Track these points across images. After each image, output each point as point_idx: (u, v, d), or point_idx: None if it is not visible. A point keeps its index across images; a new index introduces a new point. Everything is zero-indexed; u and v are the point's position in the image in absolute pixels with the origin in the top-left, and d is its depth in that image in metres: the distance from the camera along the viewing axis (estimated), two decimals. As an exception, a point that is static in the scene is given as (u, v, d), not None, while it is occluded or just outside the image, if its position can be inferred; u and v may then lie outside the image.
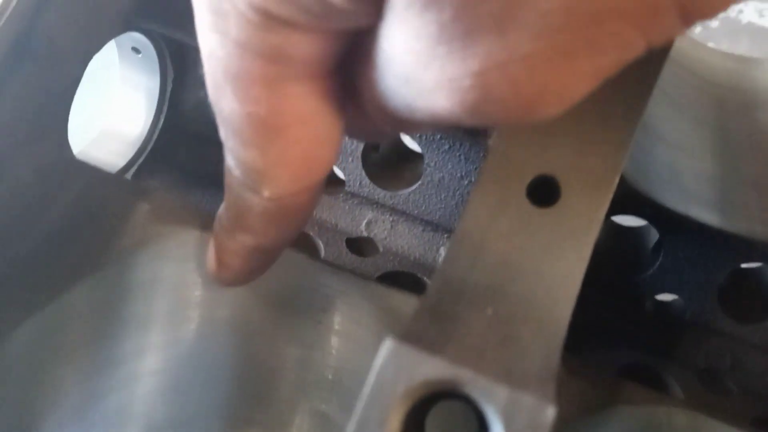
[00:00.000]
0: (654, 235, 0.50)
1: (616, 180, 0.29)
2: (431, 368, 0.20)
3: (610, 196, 0.29)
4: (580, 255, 0.28)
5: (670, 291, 0.49)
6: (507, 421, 0.20)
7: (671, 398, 0.39)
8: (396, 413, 0.20)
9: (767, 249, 0.46)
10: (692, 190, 0.41)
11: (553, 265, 0.27)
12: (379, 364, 0.20)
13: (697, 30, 1.14)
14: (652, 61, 0.29)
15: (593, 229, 0.28)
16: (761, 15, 1.23)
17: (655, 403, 0.37)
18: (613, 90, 0.28)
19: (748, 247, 0.46)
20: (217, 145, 0.56)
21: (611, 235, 0.51)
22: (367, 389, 0.20)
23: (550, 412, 0.20)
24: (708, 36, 1.16)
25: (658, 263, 0.48)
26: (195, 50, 0.49)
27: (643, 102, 0.29)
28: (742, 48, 1.17)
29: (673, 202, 0.40)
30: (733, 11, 1.20)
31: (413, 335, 0.22)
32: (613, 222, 0.51)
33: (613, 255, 0.51)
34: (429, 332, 0.23)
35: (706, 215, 0.40)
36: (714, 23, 1.19)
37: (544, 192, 0.29)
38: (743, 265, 0.48)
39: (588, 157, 0.29)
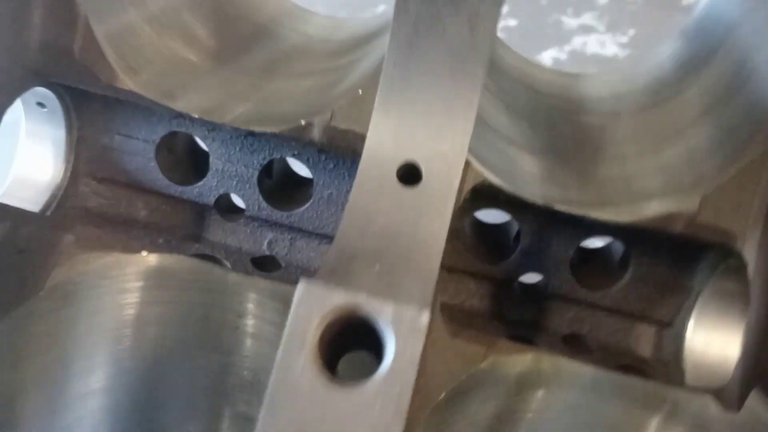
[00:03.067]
0: (515, 226, 0.59)
1: (463, 161, 0.37)
2: (336, 296, 0.27)
3: (460, 174, 0.37)
4: (442, 220, 0.36)
5: (531, 271, 0.58)
6: (395, 327, 0.27)
7: (537, 348, 0.47)
8: (313, 336, 0.27)
9: (604, 226, 0.55)
10: (527, 177, 0.50)
11: (422, 230, 0.35)
12: (297, 299, 0.27)
13: (549, 63, 1.28)
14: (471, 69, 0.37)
15: (450, 200, 0.36)
16: (603, 46, 1.39)
17: (524, 351, 0.45)
18: (452, 92, 0.37)
19: (588, 225, 0.56)
20: (123, 188, 0.61)
21: (478, 231, 0.60)
22: (289, 321, 0.27)
23: (425, 317, 0.27)
24: (560, 67, 1.30)
25: (518, 249, 0.57)
26: (97, 98, 0.55)
27: (473, 102, 0.37)
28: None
29: (518, 190, 0.49)
30: (578, 43, 1.35)
31: (320, 280, 0.28)
32: (478, 219, 0.60)
33: (481, 248, 0.59)
34: (331, 279, 0.29)
35: (539, 198, 0.48)
36: (563, 56, 1.34)
37: (410, 175, 0.36)
38: (588, 242, 0.58)
39: (440, 145, 0.37)
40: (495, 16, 0.38)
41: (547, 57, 1.32)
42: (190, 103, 0.47)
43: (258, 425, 0.28)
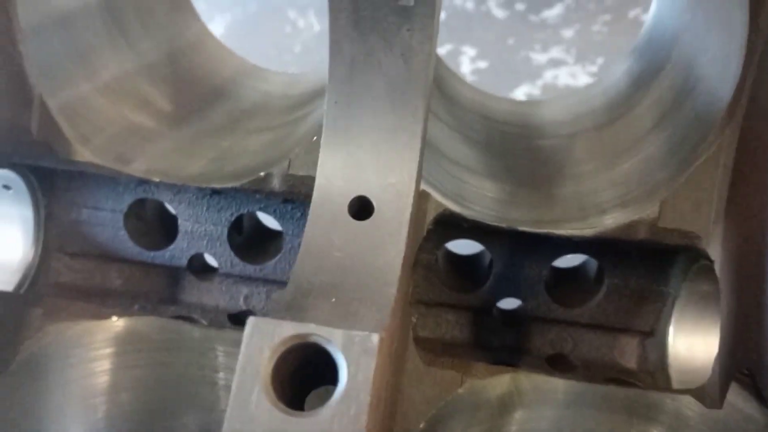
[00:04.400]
0: (488, 255, 0.59)
1: (413, 190, 0.38)
2: (284, 328, 0.27)
3: (411, 203, 0.37)
4: (397, 250, 0.36)
5: (508, 296, 0.58)
6: (345, 352, 0.27)
7: (513, 368, 0.47)
8: (265, 368, 0.27)
9: (573, 243, 0.56)
10: (488, 203, 0.51)
11: (377, 260, 0.35)
12: (248, 334, 0.27)
13: (523, 99, 1.30)
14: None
15: (403, 228, 0.37)
16: (574, 77, 1.41)
17: (500, 373, 0.45)
18: (395, 124, 0.38)
19: (557, 244, 0.56)
20: (95, 260, 0.61)
21: (451, 263, 0.60)
22: (240, 355, 0.27)
23: (375, 338, 0.27)
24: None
25: (492, 275, 0.57)
26: (61, 174, 0.56)
27: (417, 132, 0.38)
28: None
29: (480, 216, 0.49)
30: (549, 77, 1.38)
31: (273, 315, 0.29)
32: (450, 251, 0.60)
33: (457, 279, 0.59)
34: (285, 315, 0.30)
35: (501, 221, 0.49)
36: (536, 91, 1.36)
37: (361, 209, 0.37)
38: (561, 262, 0.58)
39: (389, 178, 0.37)
40: (429, 49, 0.39)
41: (521, 93, 1.34)
42: (144, 165, 0.48)
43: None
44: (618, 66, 0.67)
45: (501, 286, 0.58)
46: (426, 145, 0.41)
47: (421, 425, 0.41)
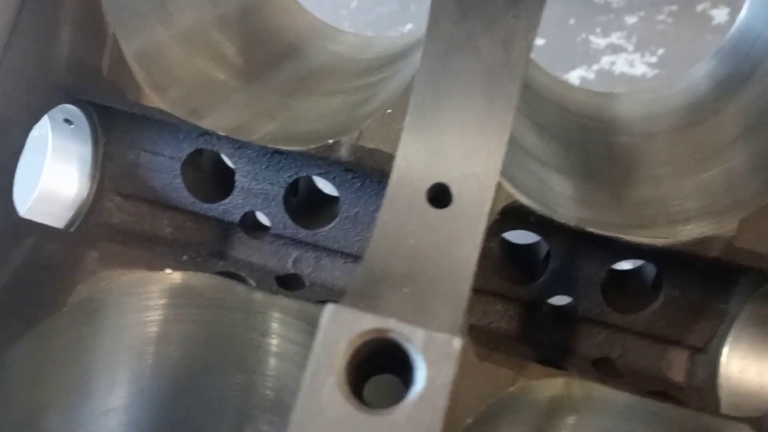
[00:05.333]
0: (545, 247, 0.57)
1: (495, 182, 0.36)
2: (365, 321, 0.26)
3: (492, 195, 0.36)
4: (473, 243, 0.35)
5: (561, 293, 0.57)
6: (426, 354, 0.26)
7: (567, 372, 0.45)
8: (341, 361, 0.26)
9: (637, 249, 0.54)
10: (559, 199, 0.49)
11: (453, 253, 0.34)
12: (325, 322, 0.26)
13: (577, 82, 1.27)
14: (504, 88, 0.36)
15: (482, 222, 0.35)
16: (631, 65, 1.38)
17: (554, 376, 0.44)
18: (485, 112, 0.36)
19: (620, 248, 0.54)
20: (148, 204, 0.61)
21: (506, 252, 0.59)
22: (315, 345, 0.26)
23: (457, 343, 0.26)
24: (587, 86, 1.29)
25: (547, 270, 0.56)
26: (124, 115, 0.55)
27: (507, 122, 0.36)
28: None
29: (549, 211, 0.48)
30: (606, 63, 1.34)
31: (348, 303, 0.28)
32: (506, 240, 0.58)
33: (510, 269, 0.58)
34: (359, 303, 0.29)
35: (571, 220, 0.47)
36: (591, 75, 1.33)
37: (440, 196, 0.35)
38: (619, 264, 0.57)
39: (472, 166, 0.36)
40: (531, 36, 0.38)
41: (575, 76, 1.31)
42: (217, 121, 0.47)
43: (284, 451, 0.27)
44: (698, 67, 0.64)
45: (556, 283, 0.56)
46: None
47: (469, 420, 0.40)
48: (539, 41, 1.40)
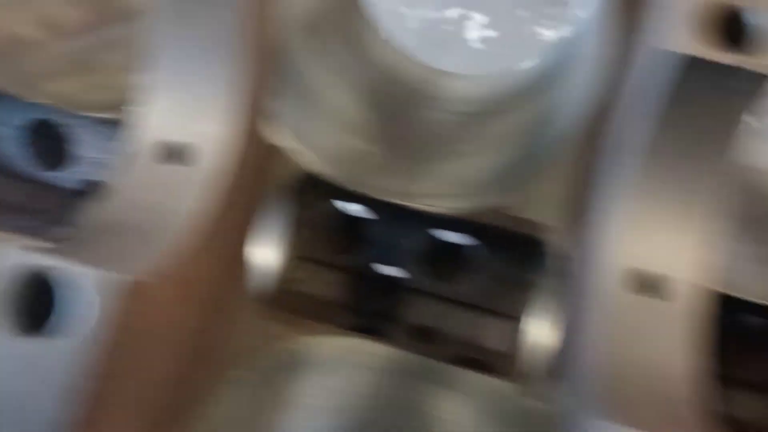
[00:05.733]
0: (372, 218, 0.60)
1: (236, 147, 0.38)
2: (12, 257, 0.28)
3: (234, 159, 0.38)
4: (203, 198, 0.37)
5: (384, 262, 0.59)
6: (84, 290, 0.28)
7: (343, 331, 0.48)
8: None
9: (452, 221, 0.57)
10: (367, 167, 0.51)
11: (179, 207, 0.36)
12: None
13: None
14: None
15: (216, 179, 0.37)
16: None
17: (331, 334, 0.47)
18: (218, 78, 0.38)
19: (437, 219, 0.57)
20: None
21: (331, 221, 0.61)
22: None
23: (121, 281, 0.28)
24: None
25: (371, 239, 0.58)
26: None
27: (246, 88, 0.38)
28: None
29: (350, 181, 0.50)
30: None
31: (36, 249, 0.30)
32: (331, 209, 0.61)
33: (334, 237, 0.60)
34: (59, 249, 0.31)
35: (377, 191, 0.50)
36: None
37: (172, 154, 0.38)
38: (444, 236, 0.59)
39: (211, 126, 0.38)
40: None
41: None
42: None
43: None
44: (527, 63, 0.67)
45: (379, 252, 0.59)
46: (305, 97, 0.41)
47: (240, 372, 0.43)
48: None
